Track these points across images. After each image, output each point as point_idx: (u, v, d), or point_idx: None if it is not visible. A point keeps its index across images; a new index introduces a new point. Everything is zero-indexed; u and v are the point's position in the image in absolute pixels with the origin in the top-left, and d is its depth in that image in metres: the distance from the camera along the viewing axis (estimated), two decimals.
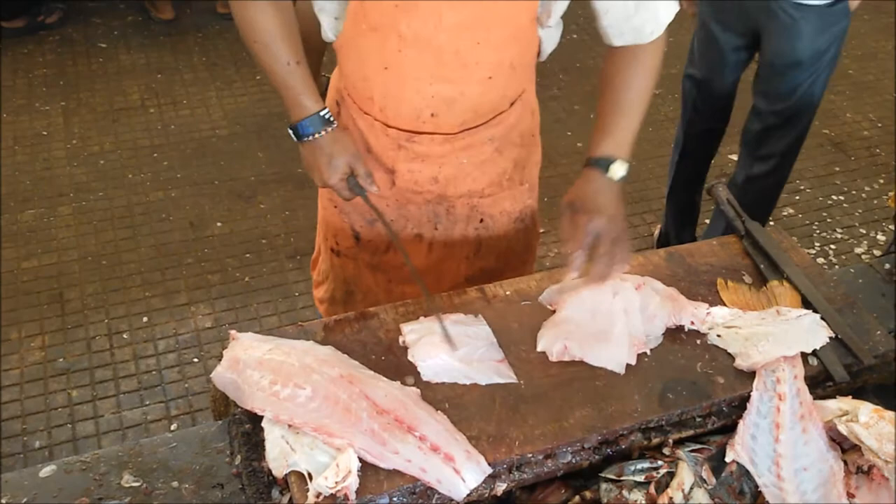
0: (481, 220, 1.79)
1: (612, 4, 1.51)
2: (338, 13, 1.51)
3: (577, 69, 4.60)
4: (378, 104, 1.59)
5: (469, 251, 1.81)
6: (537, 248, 2.01)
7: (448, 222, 1.78)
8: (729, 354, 1.45)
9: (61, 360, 2.85)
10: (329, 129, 1.54)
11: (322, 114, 1.53)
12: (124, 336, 2.96)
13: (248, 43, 1.52)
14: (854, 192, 3.87)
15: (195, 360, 2.88)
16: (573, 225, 1.49)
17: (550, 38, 1.58)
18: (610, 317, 1.48)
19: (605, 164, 1.54)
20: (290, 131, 1.56)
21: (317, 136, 1.53)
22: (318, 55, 3.94)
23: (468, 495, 1.23)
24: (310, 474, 1.19)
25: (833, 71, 2.77)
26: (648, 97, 1.60)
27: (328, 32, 1.56)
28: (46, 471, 1.28)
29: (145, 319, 3.02)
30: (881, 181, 3.95)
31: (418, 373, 1.39)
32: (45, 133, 3.91)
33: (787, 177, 3.06)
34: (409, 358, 1.42)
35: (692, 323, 1.51)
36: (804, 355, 1.44)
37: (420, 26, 1.43)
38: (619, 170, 1.55)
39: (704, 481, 1.30)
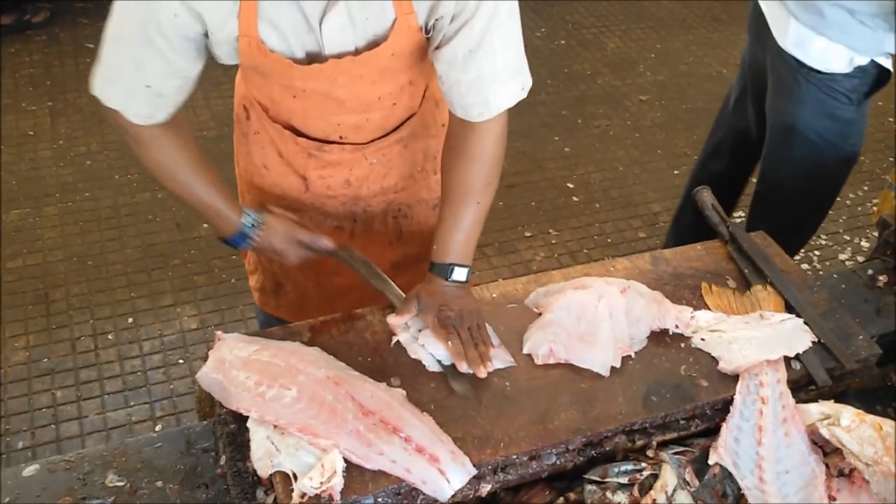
0: (399, 210, 1.79)
1: (442, 72, 1.43)
2: (227, 58, 1.46)
3: (564, 74, 4.62)
4: (286, 120, 1.61)
5: (391, 238, 1.80)
6: None
7: (366, 217, 1.77)
8: (713, 358, 1.46)
9: (46, 360, 2.83)
10: (258, 229, 1.58)
11: (246, 222, 1.57)
12: (109, 337, 2.94)
13: (165, 184, 1.55)
14: (839, 199, 3.88)
15: (180, 361, 2.87)
16: (430, 321, 1.48)
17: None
18: (595, 320, 1.49)
19: (447, 270, 1.52)
20: (225, 244, 1.60)
21: (251, 240, 1.58)
22: None
23: (453, 496, 1.23)
24: (295, 475, 1.19)
25: (847, 168, 2.46)
26: (492, 186, 1.54)
27: (228, 58, 1.47)
28: (30, 470, 1.28)
29: (130, 320, 3.00)
30: (865, 188, 3.98)
31: (407, 373, 1.39)
32: (31, 133, 3.89)
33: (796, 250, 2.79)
34: (413, 355, 1.43)
35: (676, 326, 1.52)
36: (787, 359, 1.45)
37: (315, 84, 1.45)
38: (460, 275, 1.52)
39: (688, 483, 1.30)
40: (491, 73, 1.41)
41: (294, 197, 1.72)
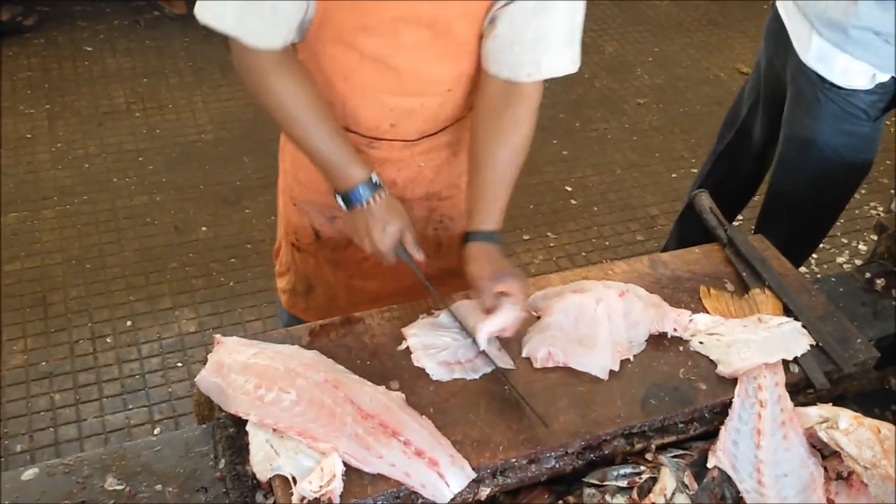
0: (440, 221, 1.80)
1: (501, 29, 1.45)
2: (302, 19, 1.45)
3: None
4: (339, 110, 1.59)
5: (429, 250, 1.81)
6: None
7: None
8: (711, 361, 1.47)
9: (44, 363, 2.83)
10: (380, 194, 1.50)
11: (373, 179, 1.50)
12: (108, 340, 2.94)
13: (284, 128, 1.49)
14: None
15: (179, 364, 2.87)
16: (497, 291, 1.45)
17: None
18: (594, 323, 1.49)
19: (492, 236, 1.52)
20: (339, 199, 1.52)
21: (369, 202, 1.50)
22: None
23: (452, 500, 1.23)
24: (294, 478, 1.19)
25: (858, 181, 2.45)
26: (523, 151, 1.56)
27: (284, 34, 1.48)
28: (29, 474, 1.28)
29: (129, 324, 3.00)
30: (863, 191, 3.96)
31: (406, 376, 1.40)
32: (29, 136, 3.89)
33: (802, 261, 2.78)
34: (416, 363, 1.42)
35: (675, 330, 1.52)
36: (785, 362, 1.46)
37: (379, 47, 1.44)
38: (497, 235, 1.54)
39: (686, 487, 1.31)
40: (549, 35, 1.45)
41: None
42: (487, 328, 1.42)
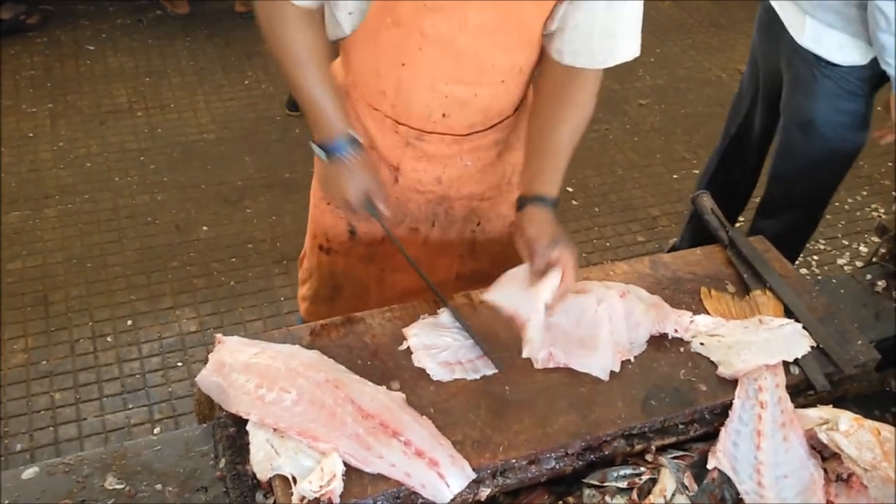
0: (478, 223, 1.81)
1: (580, 20, 1.49)
2: (351, 8, 1.51)
3: None
4: (390, 100, 1.60)
5: (463, 250, 1.82)
6: None
7: (445, 222, 1.79)
8: (712, 362, 1.47)
9: (44, 362, 2.83)
10: (359, 150, 1.56)
11: (354, 136, 1.55)
12: (108, 339, 2.94)
13: (276, 54, 1.53)
14: (837, 204, 3.90)
15: (179, 364, 2.87)
16: (552, 256, 1.47)
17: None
18: (595, 324, 1.49)
19: (549, 201, 1.55)
20: (318, 147, 1.57)
21: (347, 154, 1.55)
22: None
23: (452, 500, 1.23)
24: (294, 478, 1.19)
25: (852, 160, 2.56)
26: (584, 129, 1.60)
27: (343, 26, 1.55)
28: (29, 473, 1.28)
29: (130, 323, 3.00)
30: (864, 193, 3.98)
31: (406, 377, 1.40)
32: (31, 135, 3.89)
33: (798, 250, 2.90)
34: (417, 363, 1.42)
35: (676, 331, 1.52)
36: (786, 364, 1.45)
37: (444, 26, 1.45)
38: (555, 201, 1.57)
39: (686, 488, 1.31)
40: (624, 22, 1.51)
41: None
42: (547, 288, 1.43)
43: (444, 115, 1.59)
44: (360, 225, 1.81)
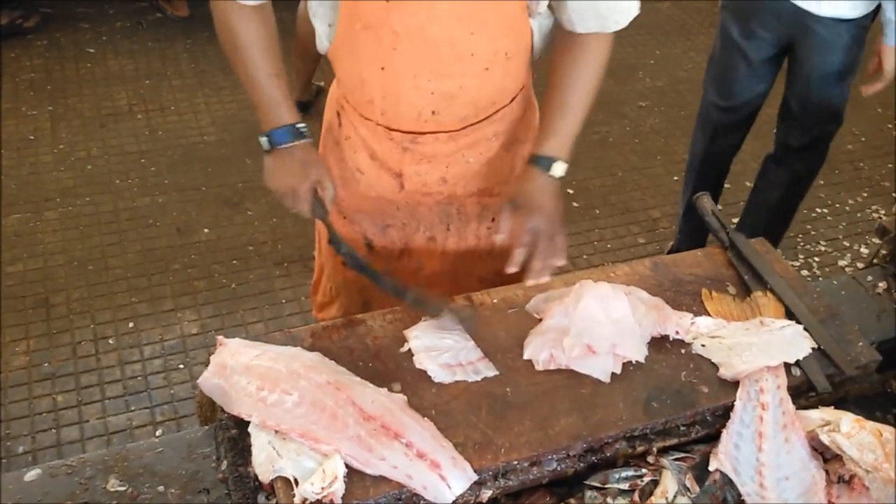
0: (493, 220, 1.80)
1: None
2: (331, 19, 1.52)
3: None
4: (378, 107, 1.60)
5: (483, 251, 1.82)
6: None
7: (460, 222, 1.79)
8: (713, 364, 1.47)
9: (46, 364, 2.84)
10: (303, 140, 1.58)
11: (298, 126, 1.57)
12: (110, 341, 2.94)
13: (228, 51, 1.56)
14: (838, 206, 3.91)
15: (181, 366, 2.88)
16: (514, 222, 1.54)
17: (541, 30, 1.59)
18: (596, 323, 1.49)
19: (547, 163, 1.59)
20: (264, 138, 1.58)
21: (292, 146, 1.56)
22: (315, 61, 3.92)
23: (454, 502, 1.23)
24: (296, 480, 1.19)
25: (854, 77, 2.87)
26: (595, 94, 1.64)
27: (323, 40, 1.58)
28: (31, 475, 1.28)
29: (131, 325, 3.01)
30: (865, 195, 3.98)
31: (408, 378, 1.40)
32: (31, 137, 3.90)
33: (798, 201, 3.19)
34: (418, 365, 1.42)
35: (677, 332, 1.52)
36: (787, 366, 1.45)
37: (412, 20, 1.44)
38: (558, 169, 1.60)
39: (688, 490, 1.31)
40: None
41: (389, 199, 1.73)
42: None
43: (433, 112, 1.58)
44: (377, 238, 1.80)
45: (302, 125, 1.58)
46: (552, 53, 1.65)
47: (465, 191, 1.74)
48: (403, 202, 1.73)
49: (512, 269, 1.50)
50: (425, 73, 1.52)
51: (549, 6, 1.55)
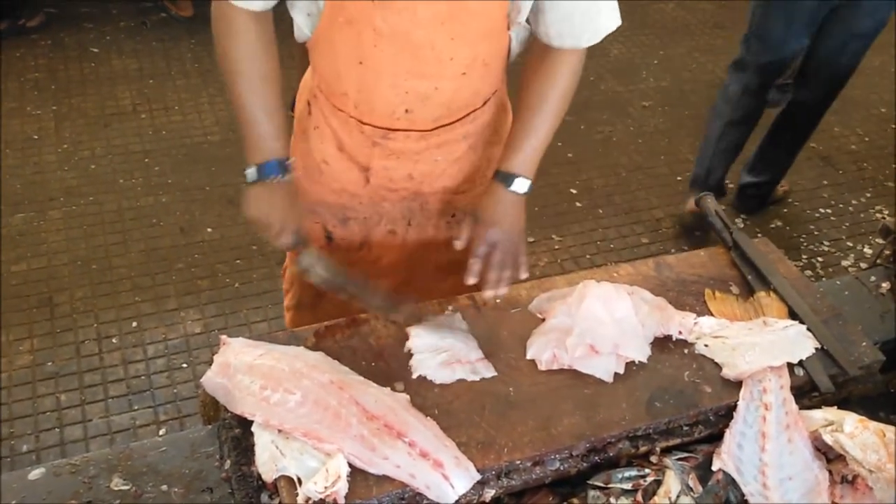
0: (453, 215, 1.80)
1: (562, 4, 1.50)
2: (309, 9, 1.50)
3: None
4: (352, 100, 1.59)
5: (441, 242, 1.81)
6: None
7: (422, 218, 1.79)
8: (716, 364, 1.47)
9: (50, 363, 2.84)
10: (290, 177, 1.56)
11: (287, 161, 1.55)
12: (113, 341, 2.95)
13: (228, 79, 1.52)
14: (841, 206, 3.90)
15: (184, 365, 2.88)
16: (473, 233, 1.57)
17: (517, 37, 1.58)
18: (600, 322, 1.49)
19: (510, 179, 1.59)
20: (252, 170, 1.55)
21: (279, 178, 1.54)
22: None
23: (457, 501, 1.23)
24: (299, 479, 1.19)
25: None
26: (564, 108, 1.63)
27: (302, 28, 1.55)
28: (35, 473, 1.28)
29: (135, 324, 3.01)
30: (868, 195, 3.98)
31: (411, 378, 1.40)
32: (35, 137, 3.90)
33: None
34: (414, 373, 1.42)
35: (680, 332, 1.52)
36: (790, 366, 1.45)
37: (396, 21, 1.43)
38: (521, 186, 1.60)
39: (691, 489, 1.31)
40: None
41: (353, 192, 1.72)
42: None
43: (407, 111, 1.58)
44: (336, 230, 1.80)
45: (290, 160, 1.56)
46: (525, 65, 1.65)
47: (431, 188, 1.74)
48: (367, 196, 1.73)
49: (470, 280, 1.53)
50: (403, 73, 1.51)
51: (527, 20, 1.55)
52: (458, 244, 1.57)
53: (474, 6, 1.45)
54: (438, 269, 1.82)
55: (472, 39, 1.50)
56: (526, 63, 1.63)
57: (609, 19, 1.54)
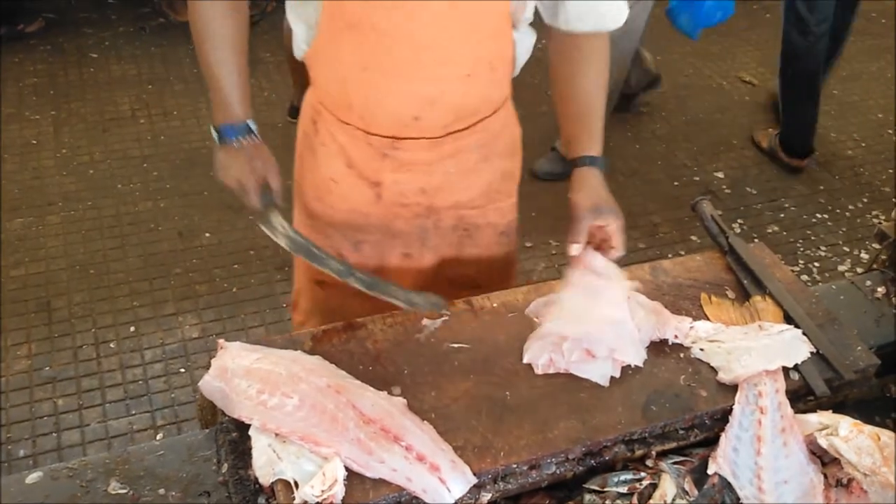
0: (465, 230, 1.78)
1: None
2: (312, 20, 1.51)
3: None
4: (357, 111, 1.59)
5: (451, 258, 1.81)
6: (517, 264, 2.01)
7: (436, 238, 1.76)
8: (712, 368, 1.47)
9: (47, 368, 2.84)
10: (253, 138, 1.59)
11: (250, 124, 1.59)
12: (111, 345, 2.95)
13: (197, 42, 1.57)
14: (838, 211, 3.91)
15: (182, 370, 2.88)
16: (587, 225, 1.60)
17: (522, 43, 1.59)
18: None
19: (596, 161, 1.66)
20: (214, 132, 1.59)
21: (241, 140, 1.58)
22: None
23: None
24: (296, 482, 1.19)
25: None
26: (606, 89, 1.68)
27: (301, 44, 1.57)
28: (33, 477, 1.28)
29: (132, 329, 3.01)
30: (864, 200, 3.99)
31: (407, 382, 1.40)
32: (34, 142, 3.91)
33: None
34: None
35: (676, 337, 1.52)
36: (786, 370, 1.46)
37: (396, 20, 1.44)
38: (602, 164, 1.69)
39: (687, 493, 1.31)
40: None
41: (363, 211, 1.71)
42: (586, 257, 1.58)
43: (415, 117, 1.57)
44: (350, 256, 1.77)
45: (253, 124, 1.59)
46: (552, 65, 1.68)
47: (444, 203, 1.71)
48: (379, 215, 1.71)
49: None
50: (407, 76, 1.51)
51: (539, 11, 1.56)
52: (575, 249, 1.59)
53: (475, 6, 1.45)
54: (451, 284, 1.81)
55: (476, 40, 1.51)
56: (554, 63, 1.68)
57: (623, 4, 1.59)
